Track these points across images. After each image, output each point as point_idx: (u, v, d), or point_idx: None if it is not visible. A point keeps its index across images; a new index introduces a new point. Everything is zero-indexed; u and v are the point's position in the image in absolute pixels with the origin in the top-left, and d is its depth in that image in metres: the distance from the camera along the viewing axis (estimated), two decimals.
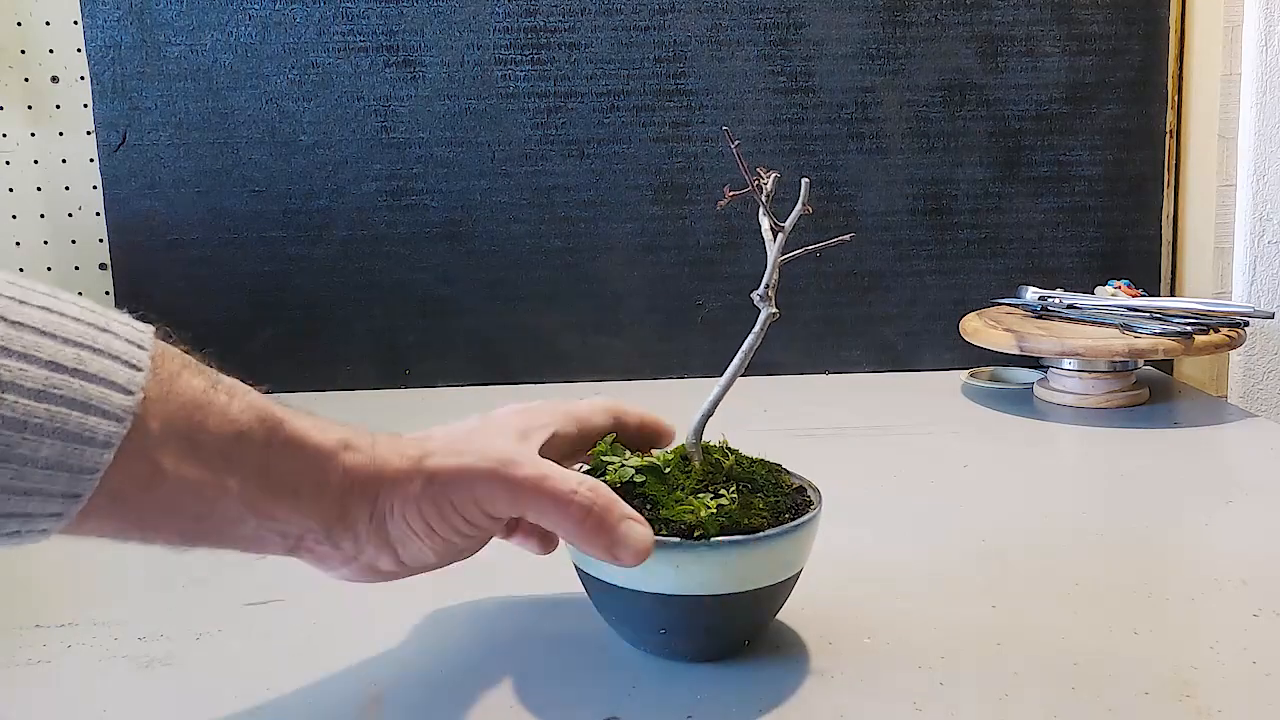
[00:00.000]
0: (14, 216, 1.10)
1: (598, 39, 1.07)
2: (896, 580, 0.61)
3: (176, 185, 1.07)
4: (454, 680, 0.51)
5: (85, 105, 1.07)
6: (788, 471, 0.55)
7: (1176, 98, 1.12)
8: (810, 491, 0.53)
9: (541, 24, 1.07)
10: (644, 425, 0.56)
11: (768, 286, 0.51)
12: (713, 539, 0.47)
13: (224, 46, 1.05)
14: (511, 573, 0.60)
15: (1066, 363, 0.96)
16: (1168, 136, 1.12)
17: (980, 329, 1.00)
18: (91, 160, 1.08)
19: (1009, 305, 1.06)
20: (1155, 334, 0.93)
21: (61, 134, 1.09)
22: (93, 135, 1.07)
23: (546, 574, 0.58)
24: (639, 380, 1.11)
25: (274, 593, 0.60)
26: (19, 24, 1.07)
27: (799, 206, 0.50)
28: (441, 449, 0.46)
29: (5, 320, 0.36)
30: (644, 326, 1.12)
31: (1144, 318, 0.97)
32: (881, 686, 0.49)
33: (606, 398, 0.56)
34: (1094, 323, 0.98)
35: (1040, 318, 1.02)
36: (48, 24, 1.07)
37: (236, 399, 0.41)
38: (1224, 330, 0.95)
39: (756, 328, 0.51)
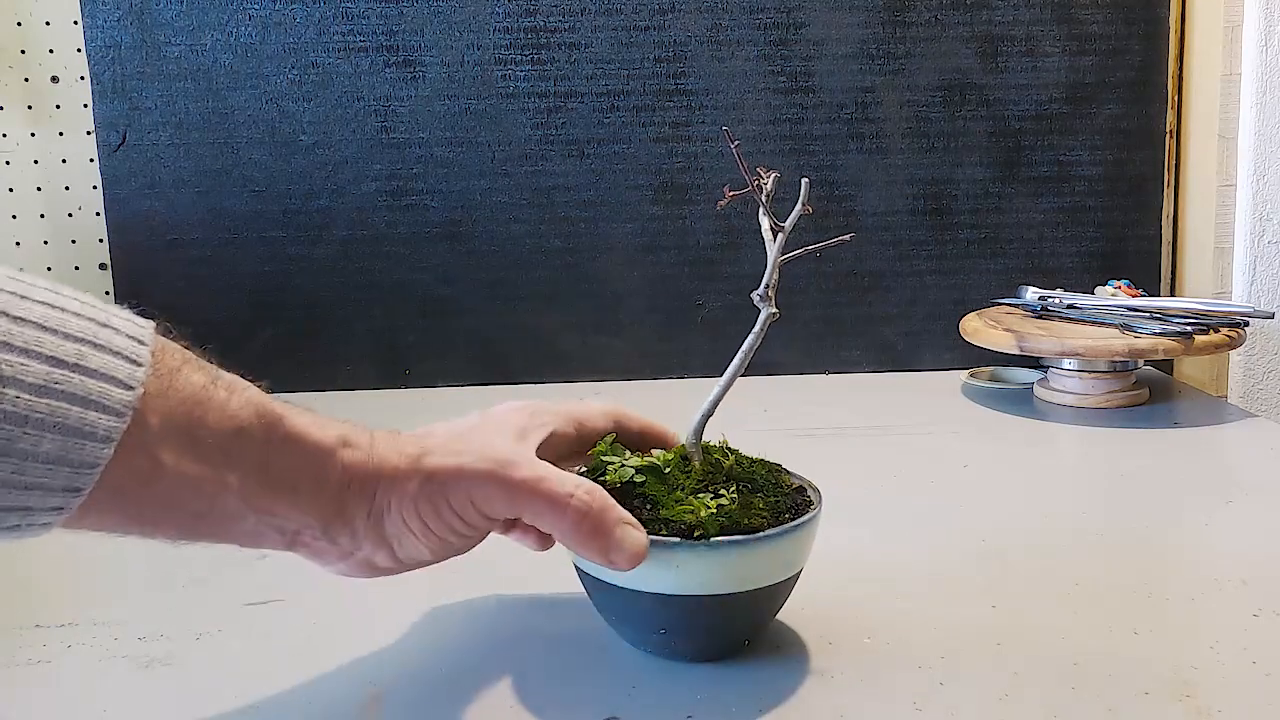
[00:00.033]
0: (14, 216, 1.10)
1: (598, 39, 1.07)
2: (896, 580, 0.61)
3: (176, 185, 1.07)
4: (454, 680, 0.51)
5: (85, 105, 1.07)
6: (788, 471, 0.55)
7: (1176, 98, 1.12)
8: (810, 491, 0.53)
9: (541, 24, 1.07)
10: (646, 432, 0.56)
11: (768, 286, 0.51)
12: (712, 539, 0.47)
13: (224, 46, 1.05)
14: (511, 572, 0.60)
15: (1066, 363, 0.96)
16: (1168, 136, 1.12)
17: (980, 329, 1.00)
18: (91, 160, 1.08)
19: (1009, 305, 1.06)
20: (1155, 334, 0.93)
21: (61, 134, 1.09)
22: (93, 135, 1.07)
23: (546, 573, 0.58)
24: (639, 380, 1.11)
25: (274, 593, 0.60)
26: (19, 24, 1.07)
27: (799, 206, 0.50)
28: (439, 448, 0.46)
29: (6, 315, 0.36)
30: (644, 326, 1.12)
31: (1144, 318, 0.97)
32: (881, 686, 0.49)
33: (608, 401, 0.56)
34: (1094, 323, 0.98)
35: (1040, 318, 1.02)
36: (48, 24, 1.07)
37: (236, 395, 0.41)
38: (1224, 330, 0.95)
39: (756, 328, 0.51)
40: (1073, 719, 0.46)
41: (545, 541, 0.53)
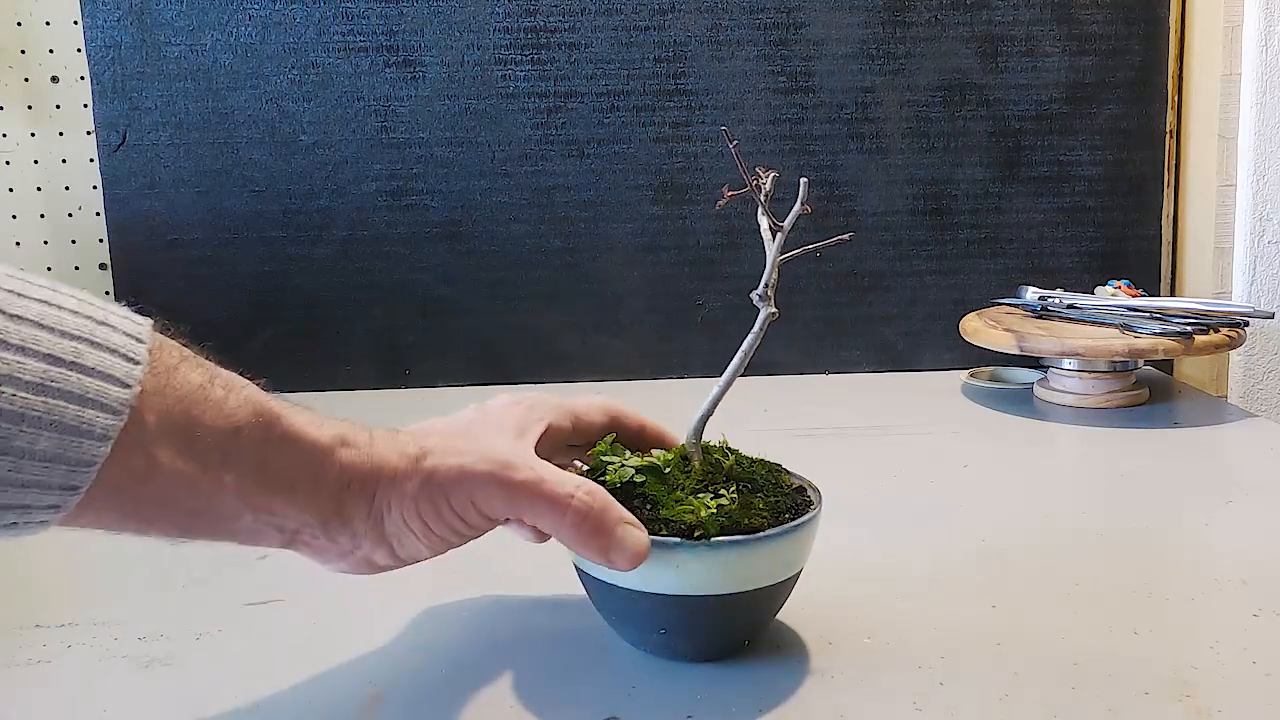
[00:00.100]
0: (14, 216, 1.10)
1: (598, 39, 1.07)
2: (896, 580, 0.61)
3: (176, 185, 1.07)
4: (454, 680, 0.51)
5: (85, 105, 1.07)
6: (787, 471, 0.55)
7: (1176, 98, 1.12)
8: (810, 491, 0.53)
9: (541, 24, 1.07)
10: (644, 430, 0.56)
11: (767, 286, 0.51)
12: (713, 539, 0.47)
13: (224, 46, 1.05)
14: (511, 572, 0.60)
15: (1066, 363, 0.96)
16: (1168, 136, 1.12)
17: (980, 329, 1.00)
18: (91, 160, 1.08)
19: (1009, 305, 1.06)
20: (1155, 334, 0.93)
21: (61, 134, 1.09)
22: (93, 135, 1.07)
23: (546, 573, 0.58)
24: (639, 380, 1.11)
25: (274, 593, 0.60)
26: (19, 24, 1.07)
27: (798, 206, 0.50)
28: (439, 448, 0.46)
29: (3, 313, 0.36)
30: (644, 326, 1.12)
31: (1144, 318, 0.97)
32: (881, 686, 0.49)
33: (605, 397, 0.56)
34: (1094, 323, 0.98)
35: (1040, 318, 1.02)
36: (48, 24, 1.07)
37: (234, 393, 0.41)
38: (1224, 330, 0.95)
39: (756, 327, 0.51)
40: (1073, 719, 0.46)
41: (542, 535, 0.53)
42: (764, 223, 0.51)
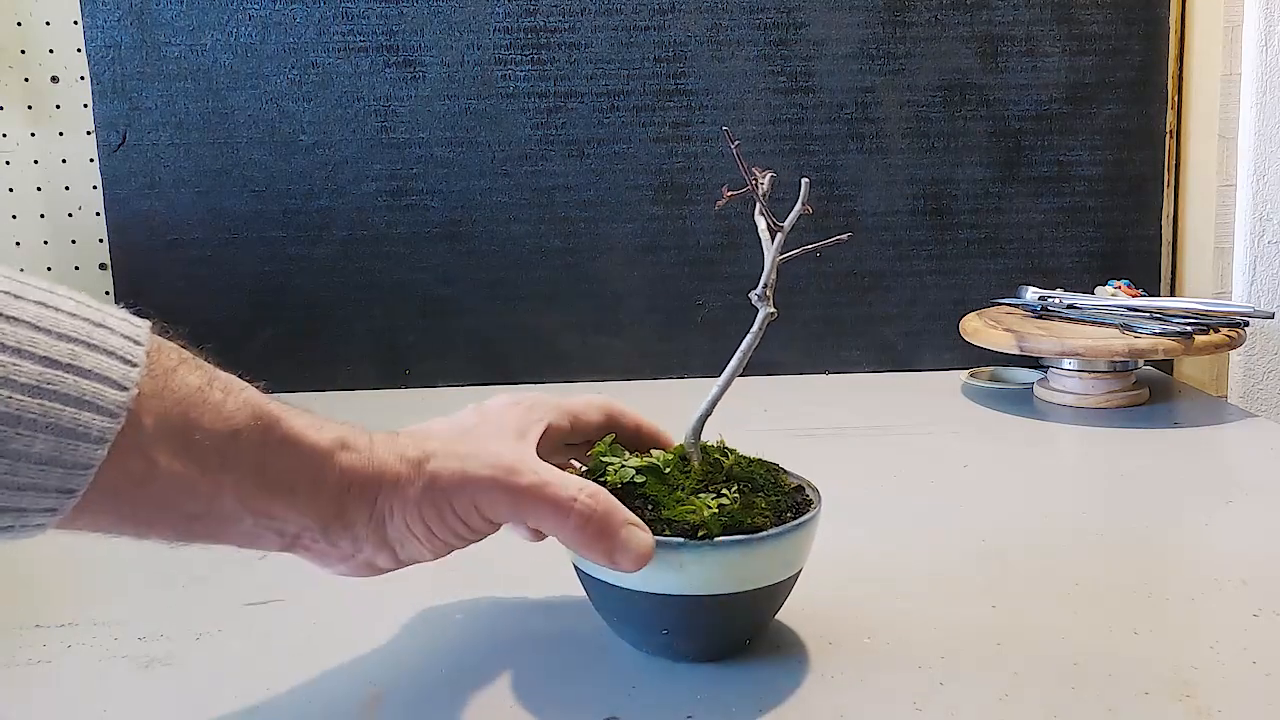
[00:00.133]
0: (14, 216, 1.10)
1: (598, 39, 1.07)
2: (896, 580, 0.61)
3: (176, 185, 1.07)
4: (454, 680, 0.51)
5: (85, 105, 1.07)
6: (785, 471, 0.55)
7: (1176, 98, 1.12)
8: (809, 490, 0.53)
9: (541, 24, 1.07)
10: (641, 429, 0.56)
11: (766, 286, 0.51)
12: (716, 539, 0.47)
13: (224, 46, 1.05)
14: (511, 572, 0.60)
15: (1066, 363, 0.96)
16: (1168, 136, 1.12)
17: (980, 329, 1.00)
18: (91, 160, 1.08)
19: (1009, 305, 1.06)
20: (1155, 334, 0.93)
21: (61, 134, 1.09)
22: (93, 135, 1.07)
23: (546, 574, 0.58)
24: (639, 380, 1.11)
25: (274, 593, 0.60)
26: (19, 24, 1.07)
27: (798, 206, 0.50)
28: (441, 451, 0.46)
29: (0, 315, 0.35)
30: (644, 326, 1.12)
31: (1144, 318, 0.97)
32: (881, 686, 0.49)
33: (602, 397, 0.56)
34: (1094, 323, 0.98)
35: (1040, 318, 1.02)
36: (48, 24, 1.07)
37: (233, 396, 0.41)
38: (1224, 330, 0.95)
39: (755, 327, 0.51)
40: (1073, 719, 0.46)
41: (539, 534, 0.53)
42: (761, 223, 0.51)
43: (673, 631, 0.50)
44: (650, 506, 0.50)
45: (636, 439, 0.55)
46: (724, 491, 0.50)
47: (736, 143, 0.49)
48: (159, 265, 1.07)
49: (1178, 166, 1.13)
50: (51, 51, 1.08)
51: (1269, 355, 1.10)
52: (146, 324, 0.40)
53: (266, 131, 1.06)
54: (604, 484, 0.50)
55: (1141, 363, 1.03)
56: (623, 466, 0.51)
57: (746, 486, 0.51)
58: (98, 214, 1.09)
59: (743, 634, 0.52)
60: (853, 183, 1.11)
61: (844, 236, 0.54)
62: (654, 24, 1.07)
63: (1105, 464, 0.84)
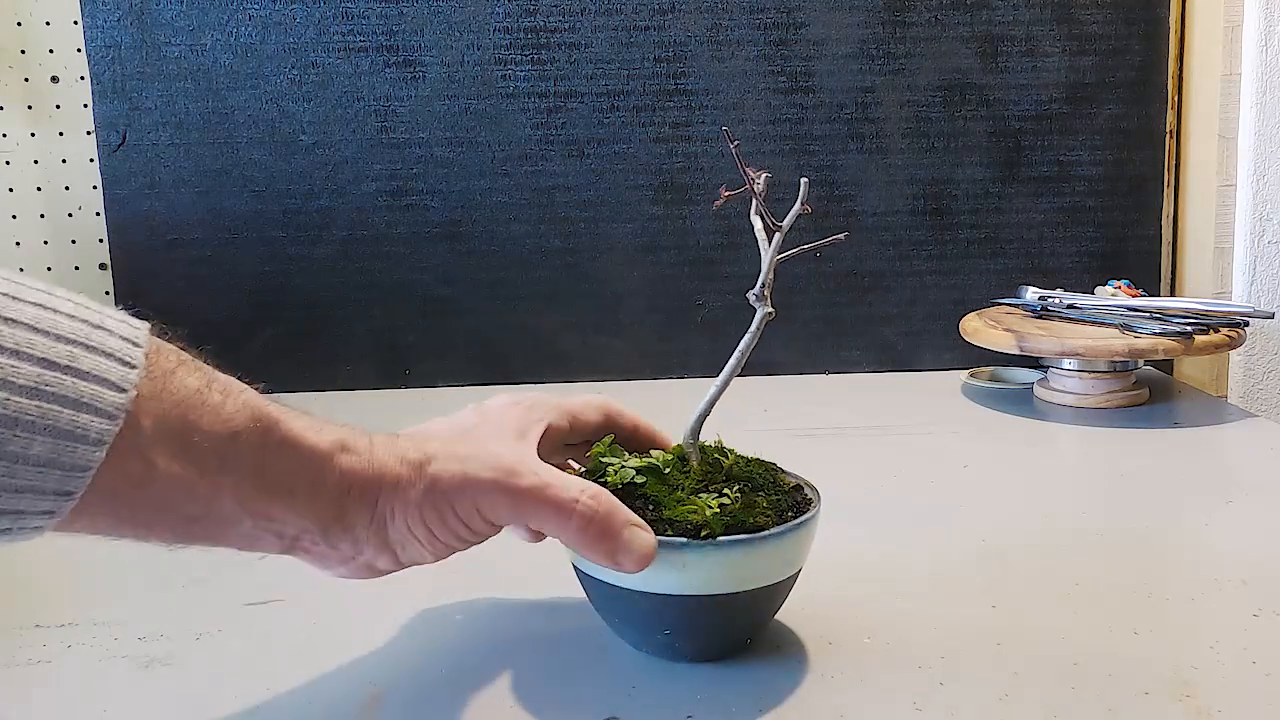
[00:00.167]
0: (14, 216, 1.10)
1: (598, 39, 1.07)
2: (896, 580, 0.61)
3: (176, 185, 1.07)
4: (453, 680, 0.51)
5: (85, 105, 1.07)
6: (783, 470, 0.55)
7: (1176, 98, 1.12)
8: (808, 490, 0.53)
9: (541, 24, 1.07)
10: (638, 430, 0.55)
11: (763, 286, 0.51)
12: (719, 539, 0.47)
13: (224, 46, 1.05)
14: (511, 573, 0.60)
15: (1066, 363, 0.96)
16: (1168, 136, 1.12)
17: (980, 329, 1.00)
18: (91, 160, 1.08)
19: (1009, 305, 1.06)
20: (1155, 334, 0.93)
21: (61, 134, 1.09)
22: (93, 135, 1.07)
23: (546, 574, 0.58)
24: (639, 380, 1.11)
25: (274, 593, 0.60)
26: (19, 24, 1.07)
27: (797, 205, 0.50)
28: (442, 453, 0.46)
29: None
30: (644, 326, 1.12)
31: (1144, 318, 0.97)
32: (881, 686, 0.49)
33: (599, 396, 0.56)
34: (1094, 323, 0.98)
35: (1040, 318, 1.02)
36: (48, 24, 1.07)
37: (231, 398, 0.41)
38: (1224, 330, 0.95)
39: (753, 327, 0.51)
40: (1073, 719, 0.46)
41: (538, 534, 0.53)
42: (757, 223, 0.51)
43: (674, 631, 0.50)
44: (651, 507, 0.50)
45: (634, 439, 0.55)
46: (725, 491, 0.50)
47: (736, 143, 0.49)
48: (159, 265, 1.07)
49: (1178, 166, 1.13)
50: (51, 51, 1.08)
51: (1269, 355, 1.10)
52: (145, 326, 0.40)
53: (266, 131, 1.06)
54: (604, 484, 0.50)
55: (1141, 363, 1.03)
56: (623, 467, 0.51)
57: (747, 486, 0.51)
58: (98, 214, 1.09)
59: (744, 634, 0.52)
60: (853, 183, 1.11)
61: (840, 236, 0.54)
62: (654, 24, 1.07)
63: (1105, 464, 0.84)
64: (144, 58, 1.05)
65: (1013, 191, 1.12)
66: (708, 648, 0.51)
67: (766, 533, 0.48)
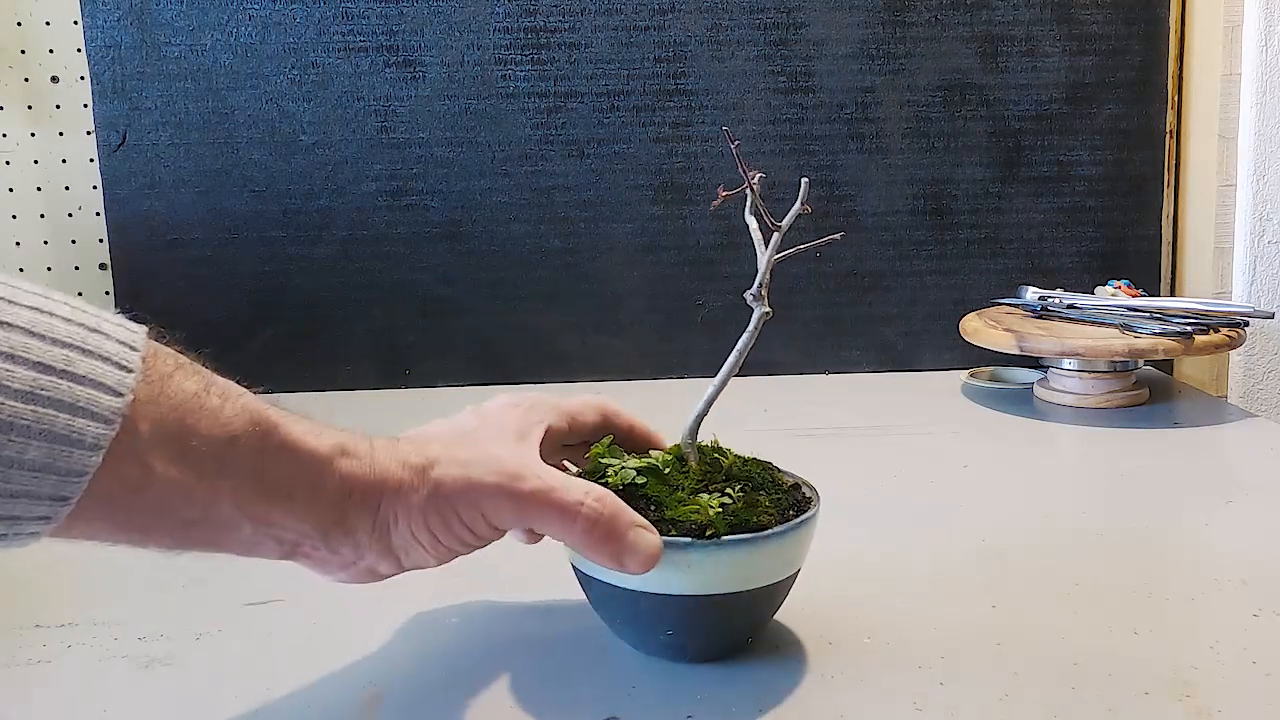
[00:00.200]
0: (14, 216, 1.10)
1: (598, 39, 1.07)
2: (896, 580, 0.61)
3: (176, 185, 1.07)
4: (453, 681, 0.51)
5: (85, 105, 1.07)
6: (779, 469, 0.55)
7: (1176, 98, 1.12)
8: (805, 488, 0.53)
9: (541, 24, 1.07)
10: (633, 430, 0.55)
11: (760, 286, 0.51)
12: (724, 538, 0.47)
13: (224, 46, 1.05)
14: (511, 573, 0.60)
15: (1066, 363, 0.96)
16: (1168, 136, 1.12)
17: (980, 329, 1.00)
18: (91, 160, 1.08)
19: (1009, 305, 1.06)
20: (1155, 334, 0.93)
21: (61, 134, 1.09)
22: (93, 135, 1.07)
23: (546, 575, 0.58)
24: (639, 380, 1.11)
25: (274, 593, 0.60)
26: (19, 24, 1.07)
27: (797, 205, 0.50)
28: (445, 457, 0.46)
29: None
30: (644, 326, 1.12)
31: (1144, 318, 0.97)
32: (881, 686, 0.49)
33: (596, 396, 0.56)
34: (1094, 323, 0.98)
35: (1040, 318, 1.02)
36: (48, 24, 1.07)
37: (230, 402, 0.40)
38: (1224, 330, 0.95)
39: (750, 327, 0.51)
40: (1073, 719, 0.46)
41: (535, 535, 0.53)
42: (752, 223, 0.52)
43: (677, 631, 0.50)
44: (653, 507, 0.49)
45: (630, 439, 0.55)
46: (728, 491, 0.50)
47: (736, 142, 0.49)
48: (159, 265, 1.07)
49: (1178, 166, 1.13)
50: (51, 51, 1.08)
51: (1269, 355, 1.10)
52: (143, 329, 0.39)
53: (266, 131, 1.06)
54: (605, 485, 0.50)
55: (1141, 363, 1.03)
56: (623, 468, 0.51)
57: (747, 485, 0.51)
58: (98, 214, 1.09)
59: (745, 633, 0.52)
60: (853, 183, 1.11)
61: (836, 236, 0.54)
62: (654, 24, 1.07)
63: (1105, 464, 0.84)
64: (144, 58, 1.05)
65: (1013, 191, 1.12)
66: (710, 648, 0.51)
67: (770, 531, 0.48)
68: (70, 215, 1.10)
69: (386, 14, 1.06)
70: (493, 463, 0.46)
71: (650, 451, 0.53)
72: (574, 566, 0.51)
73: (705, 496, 0.49)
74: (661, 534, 0.47)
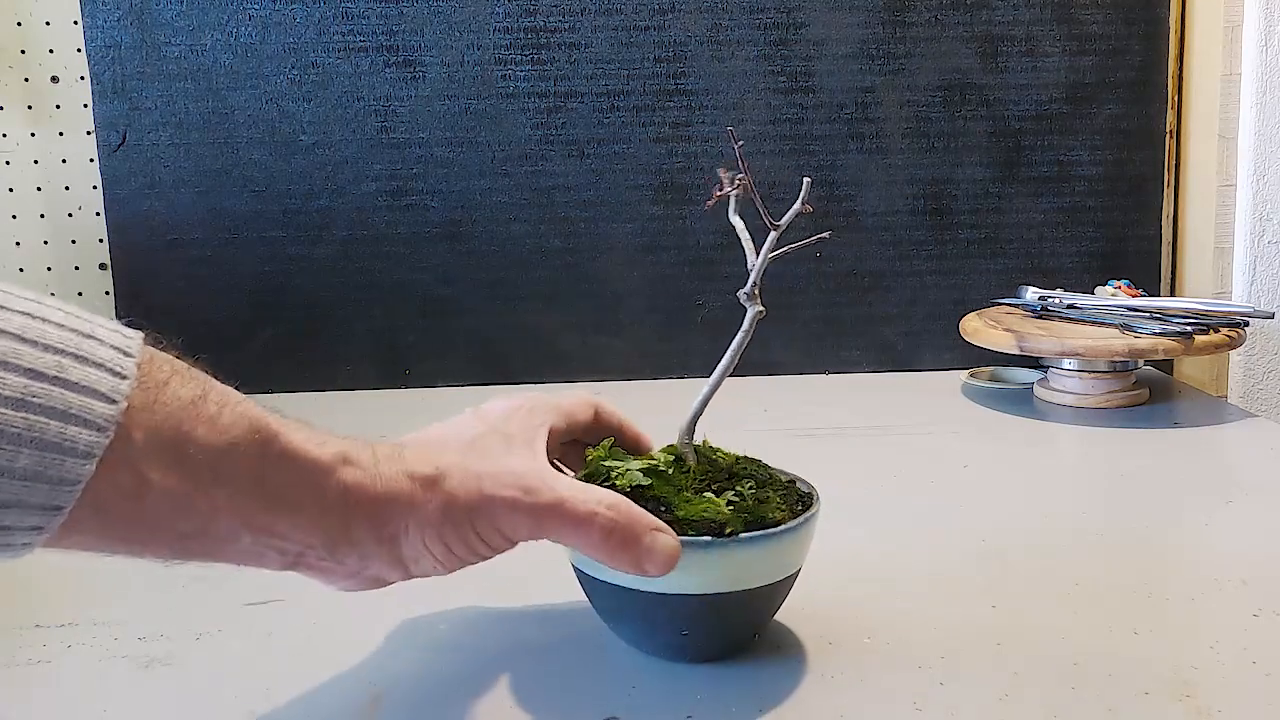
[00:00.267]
0: (14, 216, 1.10)
1: (598, 39, 1.07)
2: (896, 580, 0.61)
3: (176, 185, 1.07)
4: (453, 681, 0.51)
5: (85, 105, 1.07)
6: (771, 467, 0.55)
7: (1176, 98, 1.12)
8: (800, 484, 0.54)
9: (541, 24, 1.07)
10: (623, 429, 0.55)
11: (754, 285, 0.51)
12: (743, 535, 0.47)
13: (224, 46, 1.05)
14: (511, 573, 0.60)
15: (1066, 363, 0.96)
16: (1168, 136, 1.12)
17: (980, 329, 1.00)
18: (91, 160, 1.08)
19: (1009, 305, 1.06)
20: (1155, 334, 0.93)
21: (61, 134, 1.09)
22: (93, 135, 1.07)
23: (545, 574, 0.58)
24: (639, 380, 1.11)
25: (274, 593, 0.60)
26: (19, 24, 1.07)
27: (797, 204, 0.50)
28: (456, 469, 0.45)
29: None
30: (644, 326, 1.12)
31: (1144, 318, 0.97)
32: (881, 686, 0.49)
33: (587, 394, 0.56)
34: (1094, 323, 0.98)
35: (1040, 318, 1.02)
36: (48, 24, 1.07)
37: (228, 409, 0.40)
38: (1224, 330, 0.95)
39: (744, 326, 0.51)
40: (1073, 719, 0.46)
41: None
42: (739, 223, 0.52)
43: (693, 631, 0.50)
44: (662, 509, 0.49)
45: (617, 439, 0.55)
46: (739, 488, 0.50)
47: (740, 143, 0.49)
48: (159, 265, 1.07)
49: (1178, 166, 1.13)
50: (51, 51, 1.07)
51: (1269, 355, 1.10)
52: (139, 335, 0.39)
53: (266, 131, 1.06)
54: (613, 489, 0.49)
55: (1141, 363, 1.03)
56: (628, 470, 0.51)
57: (753, 483, 0.51)
58: (98, 214, 1.09)
59: (756, 629, 0.52)
60: (853, 183, 1.11)
61: (825, 235, 0.54)
62: (654, 24, 1.07)
63: (1105, 464, 0.84)
64: (144, 58, 1.05)
65: (1013, 191, 1.12)
66: (723, 645, 0.51)
67: (786, 526, 0.49)
68: (70, 215, 1.10)
69: (386, 14, 1.06)
70: (507, 475, 0.46)
71: (654, 453, 0.53)
72: (575, 567, 0.51)
73: (709, 495, 0.49)
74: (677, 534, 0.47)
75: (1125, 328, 0.95)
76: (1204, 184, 1.11)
